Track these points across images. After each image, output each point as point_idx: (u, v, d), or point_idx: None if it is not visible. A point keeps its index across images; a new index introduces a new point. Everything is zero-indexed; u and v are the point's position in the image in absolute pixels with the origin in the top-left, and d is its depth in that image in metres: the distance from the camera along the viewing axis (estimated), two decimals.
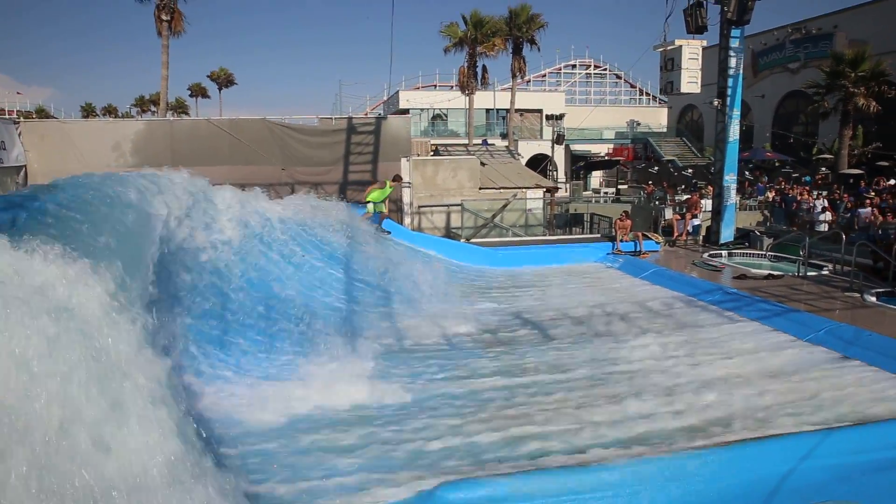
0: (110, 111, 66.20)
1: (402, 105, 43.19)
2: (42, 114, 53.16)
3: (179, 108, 65.15)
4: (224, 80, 62.12)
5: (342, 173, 18.66)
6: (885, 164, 26.93)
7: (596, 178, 44.14)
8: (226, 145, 18.15)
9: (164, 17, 27.38)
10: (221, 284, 9.15)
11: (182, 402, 4.85)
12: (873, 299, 10.65)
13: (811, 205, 19.52)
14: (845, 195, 20.97)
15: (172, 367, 5.29)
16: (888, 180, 23.04)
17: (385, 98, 50.20)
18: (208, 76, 62.45)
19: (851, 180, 25.31)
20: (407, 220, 18.49)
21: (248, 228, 10.81)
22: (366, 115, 44.08)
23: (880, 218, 16.23)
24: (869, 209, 17.16)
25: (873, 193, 19.67)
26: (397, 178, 15.55)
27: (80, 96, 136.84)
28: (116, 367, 4.13)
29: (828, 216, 18.22)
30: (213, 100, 65.62)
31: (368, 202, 14.52)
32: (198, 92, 65.30)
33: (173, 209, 8.85)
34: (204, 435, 5.00)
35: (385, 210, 14.84)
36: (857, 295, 10.91)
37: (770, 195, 23.26)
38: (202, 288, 8.69)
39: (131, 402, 4.04)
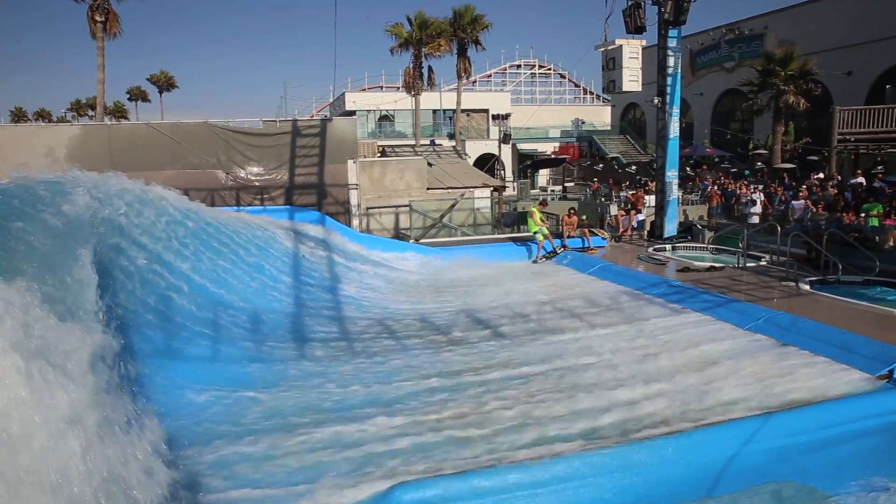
0: (43, 116, 63.74)
1: (349, 107, 42.86)
2: None
3: (118, 112, 63.11)
4: (164, 84, 60.47)
5: (288, 177, 18.38)
6: (815, 158, 28.15)
7: (543, 176, 44.72)
8: (167, 150, 17.65)
9: (98, 18, 26.45)
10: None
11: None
12: (807, 287, 11.12)
13: (749, 198, 20.22)
14: (779, 188, 21.78)
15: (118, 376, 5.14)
16: (817, 174, 24.08)
17: (331, 100, 49.71)
18: (148, 79, 60.72)
19: (785, 174, 26.35)
20: (355, 222, 18.36)
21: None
22: (311, 117, 43.54)
23: (813, 209, 16.96)
24: (803, 201, 17.88)
25: (805, 186, 20.48)
26: (544, 202, 17.68)
27: (9, 100, 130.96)
28: None
29: (759, 208, 18.91)
30: (154, 104, 63.87)
31: (536, 233, 15.59)
32: (137, 95, 63.41)
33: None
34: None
35: (547, 233, 15.86)
36: (793, 284, 11.37)
37: (713, 189, 23.94)
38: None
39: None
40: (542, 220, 15.80)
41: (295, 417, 6.63)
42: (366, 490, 5.12)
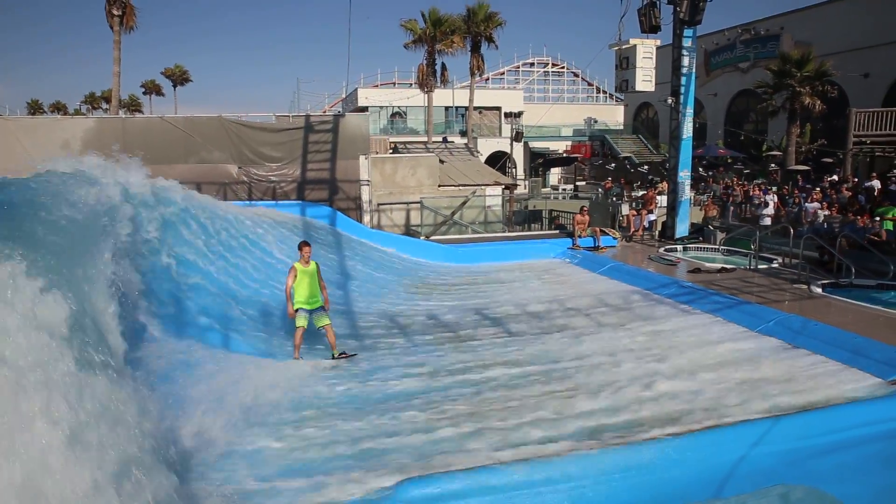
0: (59, 108, 64.20)
1: (361, 103, 42.90)
2: None
3: (132, 105, 63.50)
4: (179, 78, 60.72)
5: (300, 172, 18.45)
6: (830, 160, 27.86)
7: (554, 174, 44.58)
8: (180, 144, 17.75)
9: (115, 12, 26.58)
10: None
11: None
12: (819, 290, 11.03)
13: (762, 200, 20.06)
14: (794, 190, 21.61)
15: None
16: (831, 176, 23.84)
17: (343, 96, 49.81)
18: (162, 73, 60.96)
19: (799, 176, 26.12)
20: (366, 218, 18.40)
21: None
22: (324, 112, 43.65)
23: (825, 211, 16.83)
24: (816, 203, 17.73)
25: (818, 189, 20.31)
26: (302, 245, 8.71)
27: (26, 93, 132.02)
28: None
29: (771, 210, 18.75)
30: (168, 98, 64.12)
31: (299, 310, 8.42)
32: (152, 89, 63.73)
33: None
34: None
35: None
36: (805, 286, 11.29)
37: (738, 191, 23.68)
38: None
39: None
40: None
41: (301, 412, 6.67)
42: (371, 485, 5.14)
